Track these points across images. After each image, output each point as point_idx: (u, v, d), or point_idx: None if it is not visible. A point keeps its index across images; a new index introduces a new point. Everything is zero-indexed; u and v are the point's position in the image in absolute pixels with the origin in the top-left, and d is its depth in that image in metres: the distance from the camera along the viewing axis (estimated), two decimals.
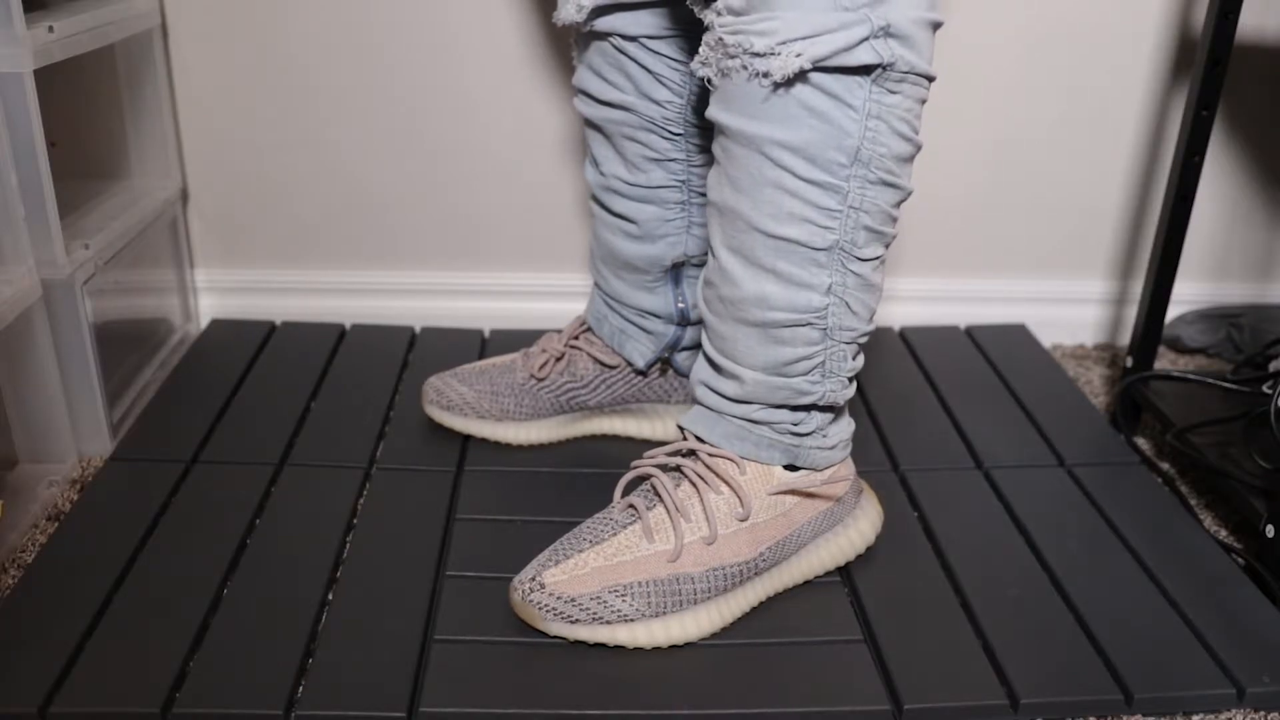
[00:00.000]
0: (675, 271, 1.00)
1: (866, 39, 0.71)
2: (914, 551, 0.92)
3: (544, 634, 0.81)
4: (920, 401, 1.14)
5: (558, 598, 0.80)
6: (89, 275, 1.00)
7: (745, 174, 0.75)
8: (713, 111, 0.76)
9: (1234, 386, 1.09)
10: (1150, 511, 0.97)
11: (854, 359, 0.83)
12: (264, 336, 1.22)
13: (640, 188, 0.95)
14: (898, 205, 0.78)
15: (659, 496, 0.84)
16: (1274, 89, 1.27)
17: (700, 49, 0.75)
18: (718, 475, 0.83)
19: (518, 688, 0.76)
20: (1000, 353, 1.24)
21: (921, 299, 1.32)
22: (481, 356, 1.21)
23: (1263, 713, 0.79)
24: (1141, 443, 1.13)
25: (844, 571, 0.89)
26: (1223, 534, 0.99)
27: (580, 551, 0.81)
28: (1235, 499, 0.96)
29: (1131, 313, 1.35)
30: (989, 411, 1.12)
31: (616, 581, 0.80)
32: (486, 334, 1.26)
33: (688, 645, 0.81)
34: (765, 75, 0.71)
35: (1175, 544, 0.93)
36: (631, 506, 0.84)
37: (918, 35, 0.72)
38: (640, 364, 1.02)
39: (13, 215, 0.92)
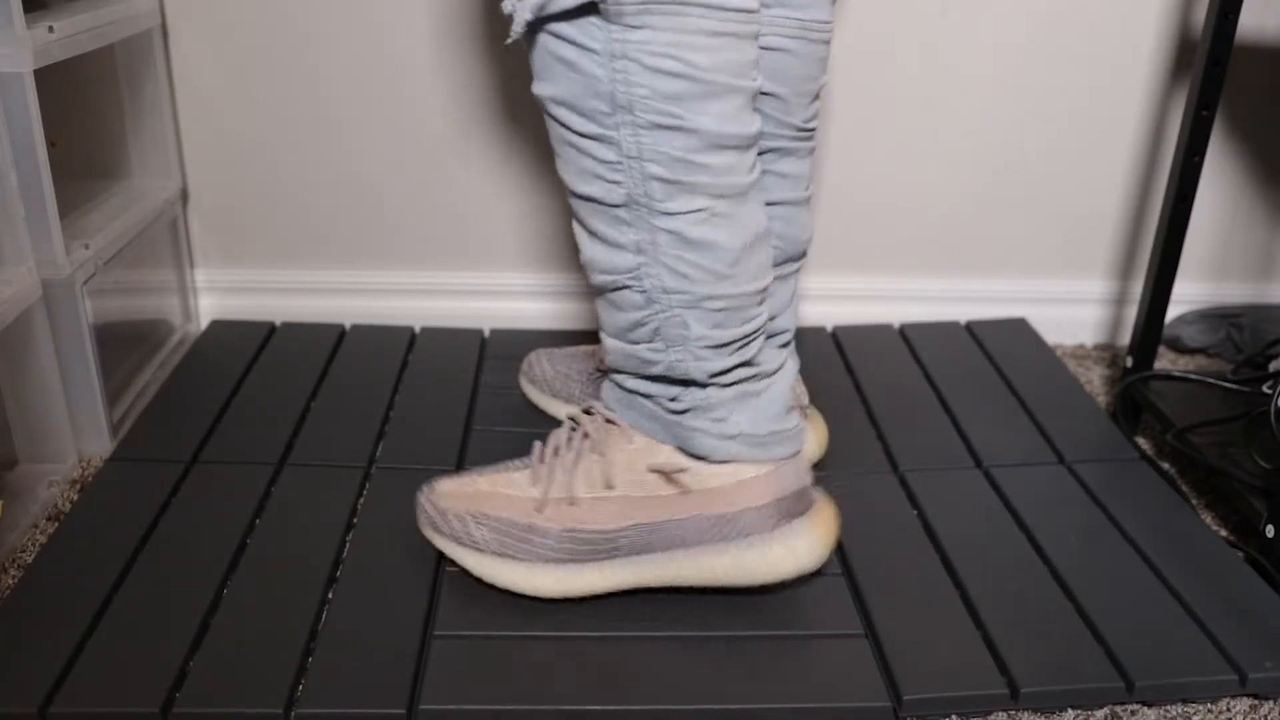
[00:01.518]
0: None
1: None
2: (913, 546, 0.92)
3: (544, 630, 0.81)
4: (920, 398, 1.14)
5: (435, 506, 0.85)
6: (89, 275, 1.00)
7: (551, 136, 0.77)
8: None
9: (1234, 386, 1.09)
10: (1150, 505, 0.97)
11: (709, 328, 0.77)
12: (264, 337, 1.22)
13: None
14: (703, 150, 0.72)
15: (551, 447, 0.85)
16: (1274, 89, 1.27)
17: None
18: (603, 439, 0.82)
19: (518, 684, 0.76)
20: (1000, 348, 1.24)
21: (921, 299, 1.32)
22: (481, 356, 1.21)
23: (1264, 699, 0.79)
24: (1142, 443, 1.13)
25: (844, 565, 0.89)
26: (1223, 534, 0.99)
27: (480, 474, 0.86)
28: (1235, 499, 0.96)
29: (1131, 313, 1.35)
30: (989, 408, 1.12)
31: (481, 510, 0.83)
32: (486, 333, 1.26)
33: (673, 636, 0.81)
34: (518, 33, 0.72)
35: (1175, 535, 0.93)
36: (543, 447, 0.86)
37: None
38: None
39: (13, 215, 0.92)
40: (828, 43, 0.90)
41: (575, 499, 0.82)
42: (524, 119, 1.23)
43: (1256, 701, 0.79)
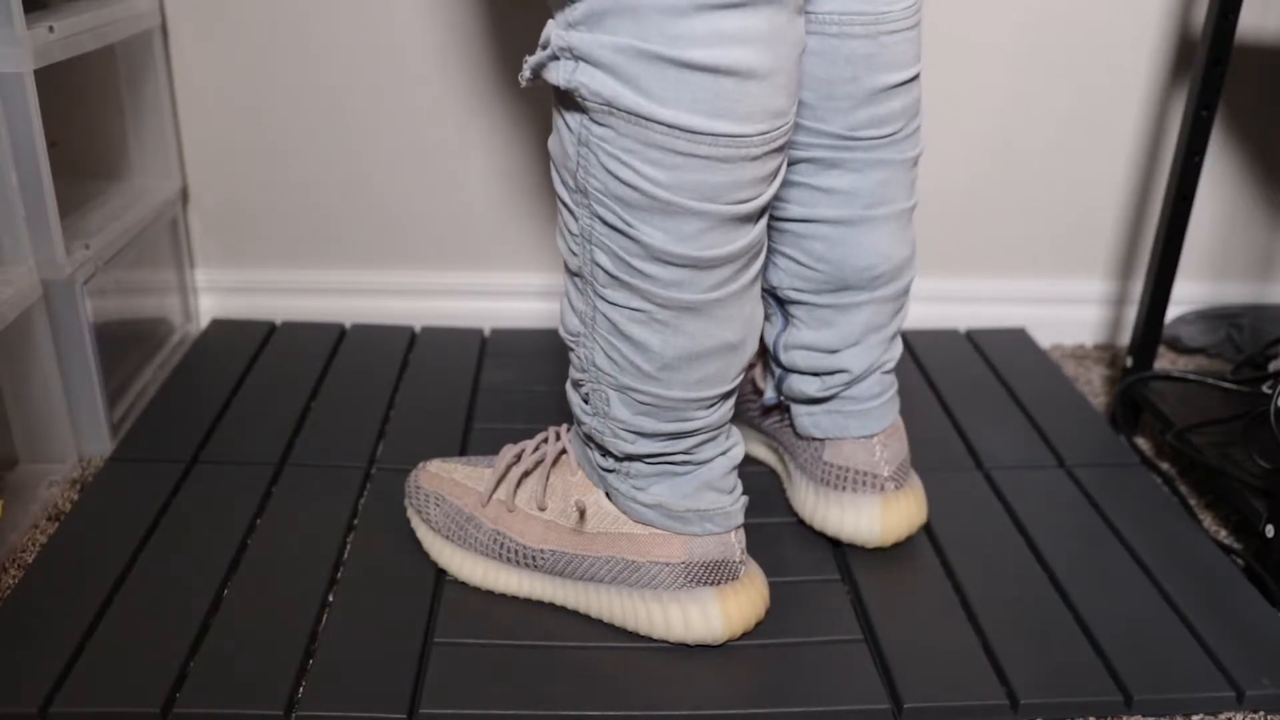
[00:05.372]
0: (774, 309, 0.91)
1: (557, 58, 0.67)
2: (914, 552, 0.92)
3: (544, 636, 0.81)
4: (920, 403, 1.14)
5: (415, 480, 0.90)
6: (89, 275, 1.00)
7: None
8: None
9: (1234, 386, 1.09)
10: (1150, 512, 0.97)
11: (632, 415, 0.76)
12: (264, 336, 1.22)
13: None
14: (646, 260, 0.69)
15: (515, 452, 0.87)
16: (1274, 89, 1.27)
17: None
18: (553, 462, 0.84)
19: (518, 689, 0.76)
20: (1000, 356, 1.24)
21: (921, 299, 1.32)
22: (482, 356, 1.21)
23: (1262, 714, 0.79)
24: (1141, 443, 1.13)
25: (844, 570, 0.89)
26: (1223, 534, 0.99)
27: (467, 463, 0.89)
28: (1235, 499, 0.96)
29: (1131, 313, 1.35)
30: (989, 413, 1.12)
31: (442, 492, 0.88)
32: (487, 333, 1.26)
33: (679, 643, 0.81)
34: (524, 81, 0.71)
35: (1175, 545, 0.93)
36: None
37: (625, 67, 0.65)
38: (766, 391, 0.95)
39: (13, 215, 0.92)
40: (872, 38, 0.78)
41: (514, 507, 0.84)
42: (525, 119, 1.22)
43: (1257, 718, 0.79)
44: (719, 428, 0.79)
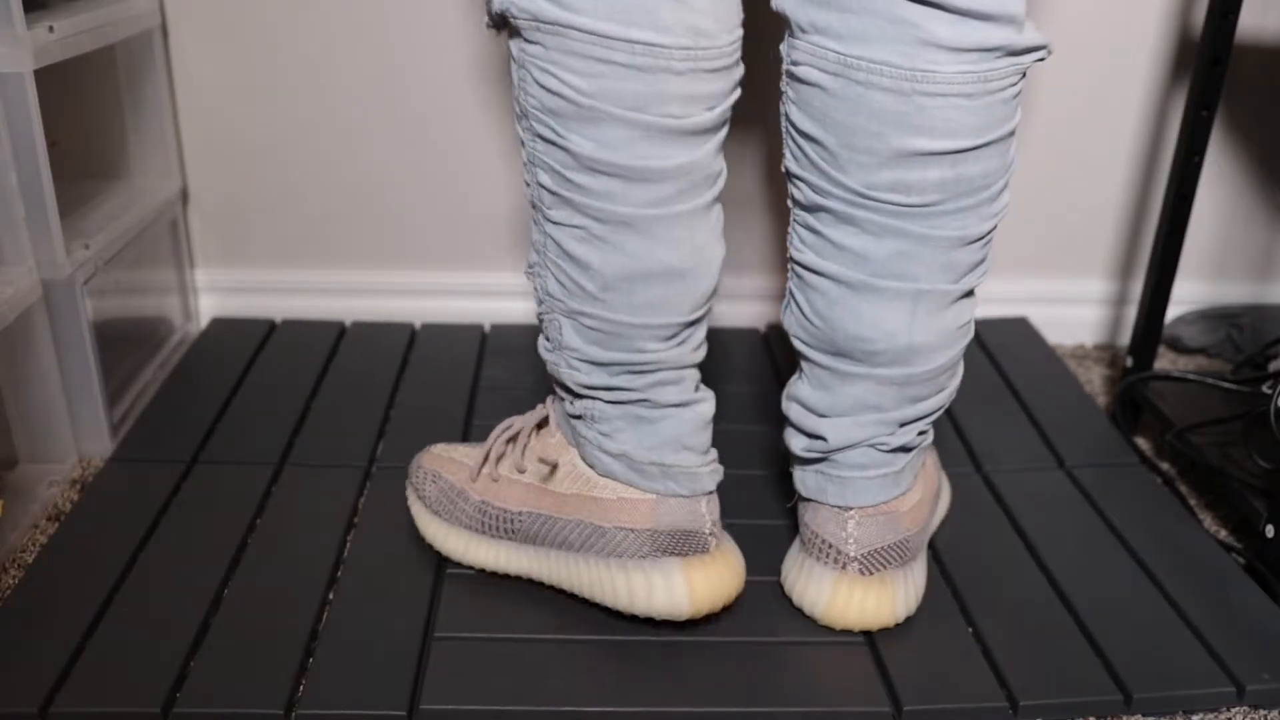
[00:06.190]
0: None
1: None
2: None
3: (545, 631, 0.81)
4: None
5: (418, 463, 0.92)
6: (89, 275, 1.00)
7: None
8: None
9: (1234, 386, 1.09)
10: (1149, 512, 0.97)
11: (584, 343, 0.77)
12: (264, 336, 1.22)
13: None
14: (577, 170, 0.72)
15: (505, 424, 0.88)
16: (1274, 89, 1.27)
17: None
18: (530, 426, 0.86)
19: (518, 685, 0.76)
20: (1001, 348, 1.24)
21: None
22: (482, 352, 1.21)
23: (1263, 710, 0.79)
24: (1141, 443, 1.13)
25: None
26: (1223, 534, 0.99)
27: (471, 446, 0.91)
28: (1235, 499, 0.96)
29: (1131, 313, 1.35)
30: (989, 411, 1.12)
31: (440, 470, 0.89)
32: (487, 329, 1.26)
33: (673, 640, 0.81)
34: (487, 30, 0.76)
35: (1174, 544, 0.93)
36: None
37: None
38: None
39: (13, 215, 0.92)
40: (904, 95, 0.70)
41: (498, 476, 0.85)
42: None
43: (1257, 715, 0.79)
44: (679, 369, 0.78)
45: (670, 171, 0.72)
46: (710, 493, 0.81)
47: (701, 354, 0.80)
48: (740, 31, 0.74)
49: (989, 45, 0.69)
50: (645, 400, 0.78)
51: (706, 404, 0.81)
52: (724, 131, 0.76)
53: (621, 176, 0.72)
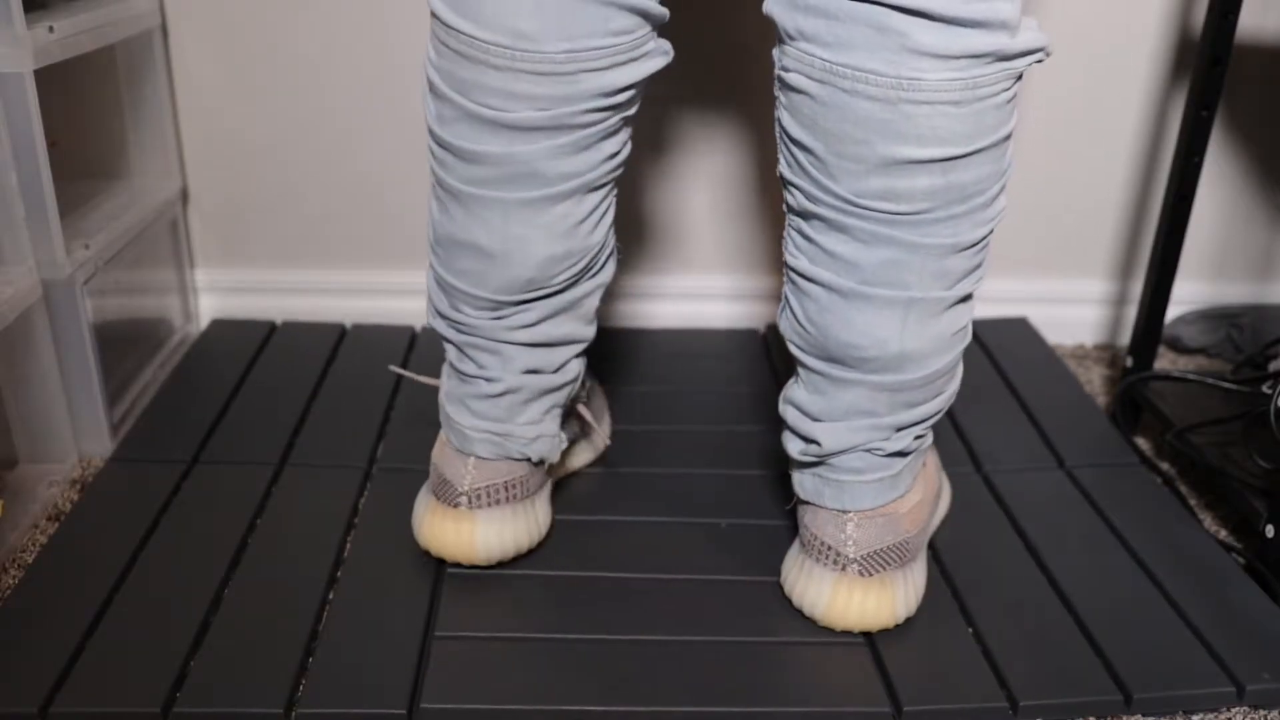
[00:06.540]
0: None
1: None
2: None
3: (545, 631, 0.81)
4: None
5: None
6: (89, 275, 1.00)
7: None
8: None
9: (1234, 386, 1.09)
10: (1149, 512, 0.97)
11: (433, 282, 0.85)
12: (264, 336, 1.22)
13: None
14: (430, 136, 0.79)
15: None
16: (1274, 89, 1.27)
17: None
18: None
19: (518, 684, 0.76)
20: (1001, 348, 1.24)
21: None
22: None
23: (1262, 710, 0.79)
24: (1141, 443, 1.13)
25: None
26: (1223, 534, 0.99)
27: None
28: (1235, 499, 0.96)
29: (1131, 313, 1.35)
30: (989, 411, 1.12)
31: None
32: None
33: (673, 640, 0.81)
34: None
35: (1174, 544, 0.93)
36: None
37: None
38: None
39: (13, 215, 0.92)
40: (890, 104, 0.69)
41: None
42: None
43: (1257, 715, 0.79)
44: (495, 341, 0.82)
45: (484, 156, 0.77)
46: (481, 458, 0.85)
47: (528, 336, 0.83)
48: (593, 42, 0.73)
49: (978, 52, 0.68)
50: (462, 356, 0.85)
51: (522, 391, 0.84)
52: (574, 136, 0.76)
53: (447, 150, 0.78)
